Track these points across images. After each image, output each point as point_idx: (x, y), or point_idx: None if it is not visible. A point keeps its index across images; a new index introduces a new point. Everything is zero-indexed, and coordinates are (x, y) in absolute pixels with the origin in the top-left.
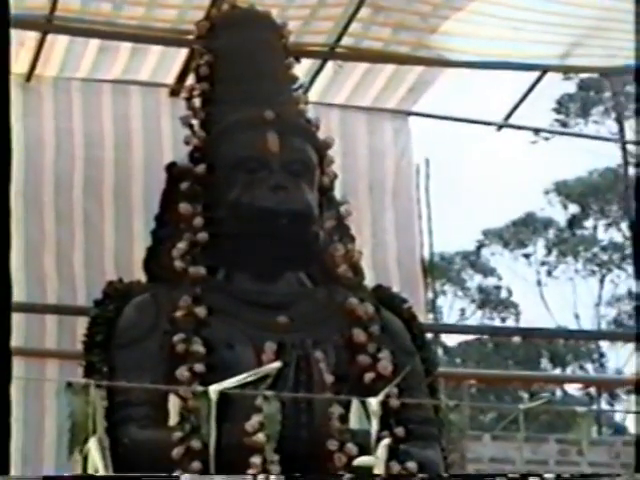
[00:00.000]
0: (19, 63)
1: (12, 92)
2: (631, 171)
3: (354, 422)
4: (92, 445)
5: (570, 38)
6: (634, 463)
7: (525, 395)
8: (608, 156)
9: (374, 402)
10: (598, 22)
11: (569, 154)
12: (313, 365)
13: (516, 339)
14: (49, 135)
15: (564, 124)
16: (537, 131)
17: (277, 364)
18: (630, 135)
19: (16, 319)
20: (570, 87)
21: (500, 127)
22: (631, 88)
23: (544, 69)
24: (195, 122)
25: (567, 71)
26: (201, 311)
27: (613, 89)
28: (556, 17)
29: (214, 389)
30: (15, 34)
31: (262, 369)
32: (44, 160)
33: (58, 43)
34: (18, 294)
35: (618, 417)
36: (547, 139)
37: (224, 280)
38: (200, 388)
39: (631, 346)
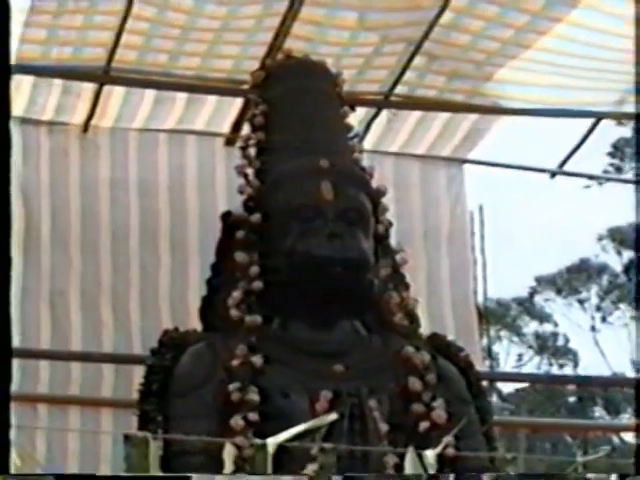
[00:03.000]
0: (76, 114)
1: (70, 143)
2: None
3: (409, 471)
4: None
5: (625, 85)
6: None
7: (576, 441)
8: None
9: (430, 454)
10: None
11: (623, 199)
12: (367, 414)
13: (570, 386)
14: (105, 185)
15: (618, 169)
16: (591, 178)
17: (333, 415)
18: None
19: (73, 368)
20: (625, 131)
21: (554, 174)
22: None
23: (599, 116)
24: (250, 171)
25: (622, 118)
26: (257, 360)
27: None
28: (610, 64)
29: (272, 442)
30: (72, 86)
31: (318, 421)
32: (100, 210)
33: (115, 94)
34: (75, 343)
35: None
36: (601, 184)
37: (280, 329)
38: (258, 441)
39: None
